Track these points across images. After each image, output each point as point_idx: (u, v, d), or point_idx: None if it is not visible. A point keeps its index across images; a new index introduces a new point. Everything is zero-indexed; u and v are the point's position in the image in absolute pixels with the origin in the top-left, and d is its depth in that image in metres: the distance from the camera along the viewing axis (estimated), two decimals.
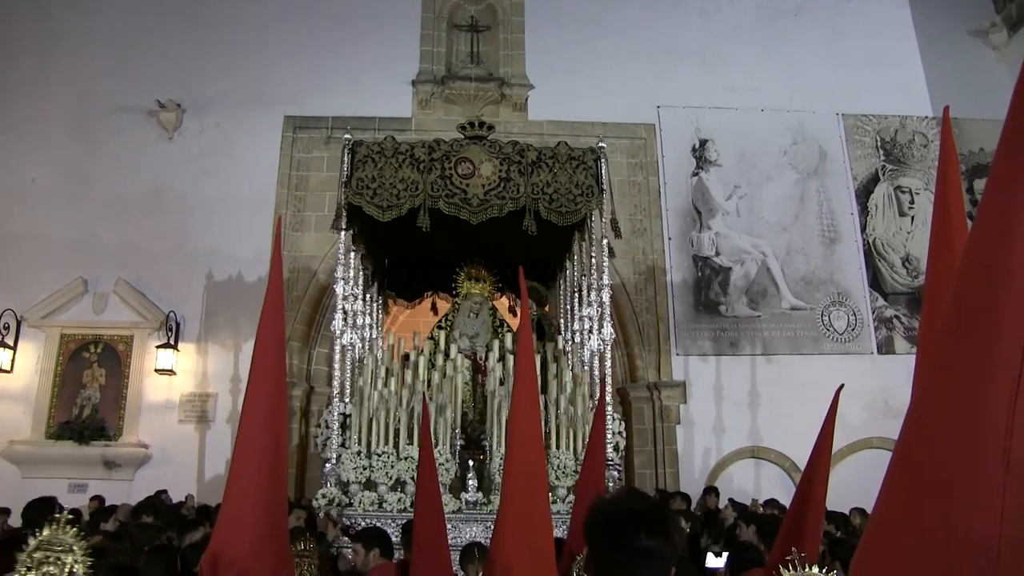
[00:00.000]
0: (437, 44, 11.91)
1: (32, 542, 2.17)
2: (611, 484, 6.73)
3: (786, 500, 9.26)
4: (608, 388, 7.56)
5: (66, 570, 2.11)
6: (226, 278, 10.65)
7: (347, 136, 7.73)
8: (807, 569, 2.85)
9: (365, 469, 6.89)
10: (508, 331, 8.92)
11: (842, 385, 3.63)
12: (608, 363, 7.59)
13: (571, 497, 6.57)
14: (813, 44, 12.22)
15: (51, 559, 2.14)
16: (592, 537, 1.83)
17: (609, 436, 7.25)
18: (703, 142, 11.76)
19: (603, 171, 7.73)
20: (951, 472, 1.23)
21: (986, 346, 1.21)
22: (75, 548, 2.15)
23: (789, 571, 2.88)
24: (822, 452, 3.49)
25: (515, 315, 9.83)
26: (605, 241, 7.82)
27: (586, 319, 8.13)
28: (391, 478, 6.89)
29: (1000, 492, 1.19)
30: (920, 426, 1.33)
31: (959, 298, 1.30)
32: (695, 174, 11.65)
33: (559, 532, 6.29)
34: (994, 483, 1.19)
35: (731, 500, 8.77)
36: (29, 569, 2.12)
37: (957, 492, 1.22)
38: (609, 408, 7.48)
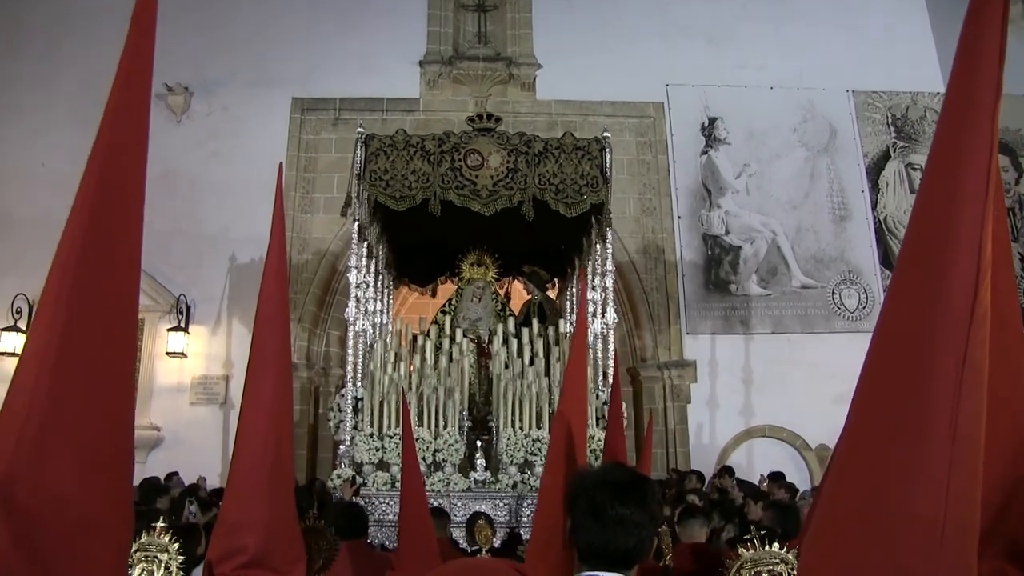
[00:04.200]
0: (444, 24, 11.84)
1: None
2: None
3: (797, 479, 9.27)
4: (612, 366, 7.71)
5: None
6: (236, 261, 10.67)
7: (360, 129, 7.91)
8: (766, 547, 2.86)
9: (378, 450, 7.12)
10: (510, 315, 9.02)
11: None
12: (612, 346, 7.76)
13: None
14: (823, 20, 12.08)
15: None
16: (571, 506, 1.86)
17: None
18: (712, 120, 11.68)
19: (608, 161, 7.88)
20: (897, 449, 1.19)
21: (932, 319, 1.18)
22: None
23: (747, 550, 2.89)
24: None
25: (510, 300, 9.91)
26: (609, 231, 7.99)
27: (590, 303, 8.23)
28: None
29: (946, 470, 1.15)
30: (867, 403, 1.29)
31: (904, 265, 1.26)
32: (704, 152, 11.59)
33: None
34: (940, 460, 1.15)
35: (738, 480, 8.76)
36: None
37: (903, 470, 1.18)
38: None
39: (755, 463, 10.11)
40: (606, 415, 7.36)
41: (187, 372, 10.37)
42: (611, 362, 7.64)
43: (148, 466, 9.76)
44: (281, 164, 2.82)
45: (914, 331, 1.21)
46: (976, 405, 1.16)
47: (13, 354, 10.03)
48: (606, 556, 1.79)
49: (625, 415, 7.93)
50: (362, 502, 6.68)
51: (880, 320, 1.30)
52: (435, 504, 6.40)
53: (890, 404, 1.22)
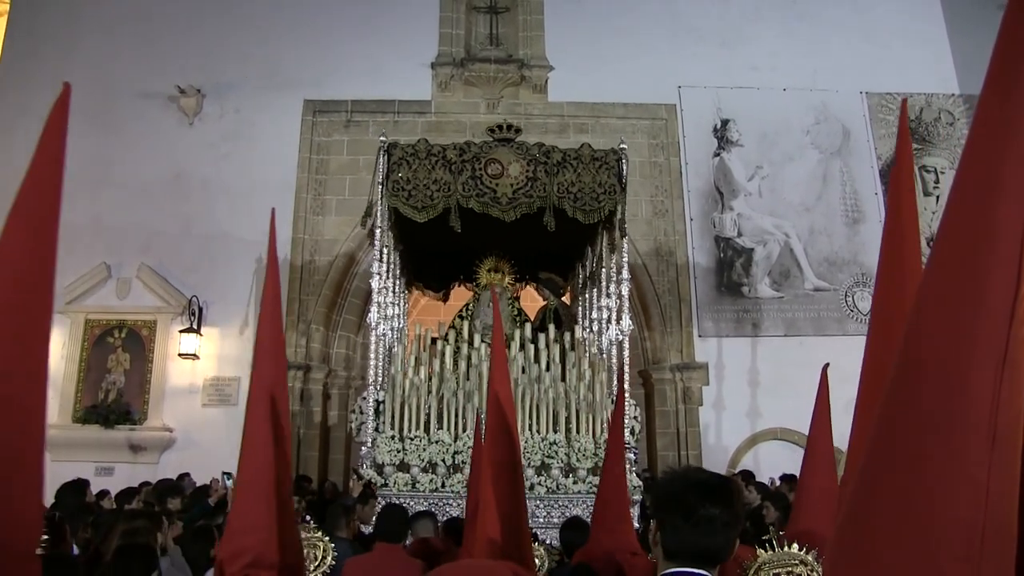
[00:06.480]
0: (456, 26, 11.84)
1: None
2: (629, 468, 6.87)
3: None
4: (627, 371, 7.85)
5: None
6: (248, 262, 10.67)
7: (383, 137, 8.04)
8: (786, 548, 2.84)
9: (399, 452, 7.26)
10: (526, 320, 9.09)
11: (827, 364, 3.62)
12: (626, 353, 7.87)
13: (591, 478, 7.01)
14: (836, 21, 12.05)
15: None
16: (659, 509, 1.93)
17: (625, 421, 7.42)
18: (725, 122, 11.65)
19: (624, 171, 8.03)
20: (933, 451, 1.16)
21: (970, 317, 1.14)
22: None
23: (765, 551, 2.88)
24: (820, 433, 3.49)
25: (519, 302, 9.98)
26: (625, 239, 8.09)
27: (604, 309, 8.30)
28: (423, 460, 7.25)
29: (986, 472, 1.12)
30: (898, 405, 1.25)
31: (940, 260, 1.22)
32: (717, 154, 11.56)
33: (580, 510, 6.53)
34: (980, 463, 1.12)
35: (755, 482, 8.73)
36: None
37: (940, 472, 1.14)
38: (627, 392, 7.65)
39: (767, 466, 10.05)
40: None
41: (199, 373, 10.38)
42: (627, 367, 7.72)
43: (160, 467, 9.80)
44: (273, 210, 2.84)
45: (950, 329, 1.17)
46: (1016, 406, 1.13)
47: None
48: (696, 555, 1.85)
49: (638, 419, 7.95)
50: (381, 502, 6.76)
51: (911, 319, 1.27)
52: (454, 505, 6.48)
53: (925, 405, 1.19)
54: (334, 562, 3.47)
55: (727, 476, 1.85)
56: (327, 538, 3.56)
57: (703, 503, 1.84)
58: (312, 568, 3.33)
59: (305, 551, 3.24)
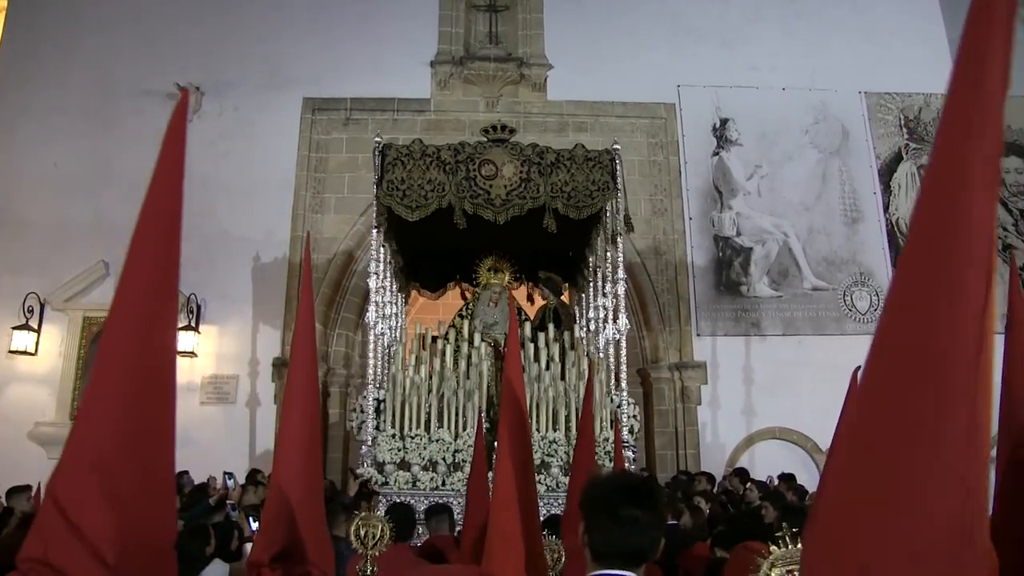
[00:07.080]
0: (455, 24, 11.84)
1: None
2: (628, 466, 6.89)
3: (808, 481, 9.22)
4: (624, 370, 7.85)
5: None
6: (246, 260, 10.68)
7: (377, 139, 8.05)
8: (797, 545, 2.84)
9: (399, 450, 7.31)
10: (525, 319, 9.10)
11: (859, 367, 3.61)
12: (623, 352, 7.88)
13: None
14: (835, 21, 12.07)
15: None
16: (586, 509, 1.99)
17: (624, 419, 7.49)
18: (724, 121, 11.65)
19: (618, 170, 8.03)
20: (915, 446, 1.16)
21: (948, 308, 1.14)
22: None
23: (778, 548, 2.87)
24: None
25: (532, 303, 10.01)
26: (620, 237, 8.13)
27: (601, 308, 8.34)
28: (424, 459, 7.30)
29: (964, 463, 1.12)
30: (877, 392, 1.25)
31: (912, 257, 1.23)
32: (716, 154, 11.56)
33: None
34: (958, 454, 1.12)
35: (753, 481, 8.73)
36: None
37: (921, 465, 1.15)
38: (624, 392, 7.76)
39: (765, 466, 10.06)
40: (618, 418, 7.43)
41: (197, 371, 10.36)
42: (623, 367, 7.74)
43: None
44: (308, 234, 2.96)
45: (927, 323, 1.17)
46: (988, 398, 1.15)
47: (25, 352, 10.06)
48: (621, 555, 1.91)
49: (637, 417, 7.97)
50: (383, 500, 6.80)
51: (887, 314, 1.27)
52: (454, 503, 6.52)
53: (903, 399, 1.19)
54: (392, 541, 3.55)
55: (651, 479, 1.94)
56: (386, 516, 3.66)
57: (626, 505, 1.91)
58: (371, 545, 3.46)
59: (363, 530, 3.44)
